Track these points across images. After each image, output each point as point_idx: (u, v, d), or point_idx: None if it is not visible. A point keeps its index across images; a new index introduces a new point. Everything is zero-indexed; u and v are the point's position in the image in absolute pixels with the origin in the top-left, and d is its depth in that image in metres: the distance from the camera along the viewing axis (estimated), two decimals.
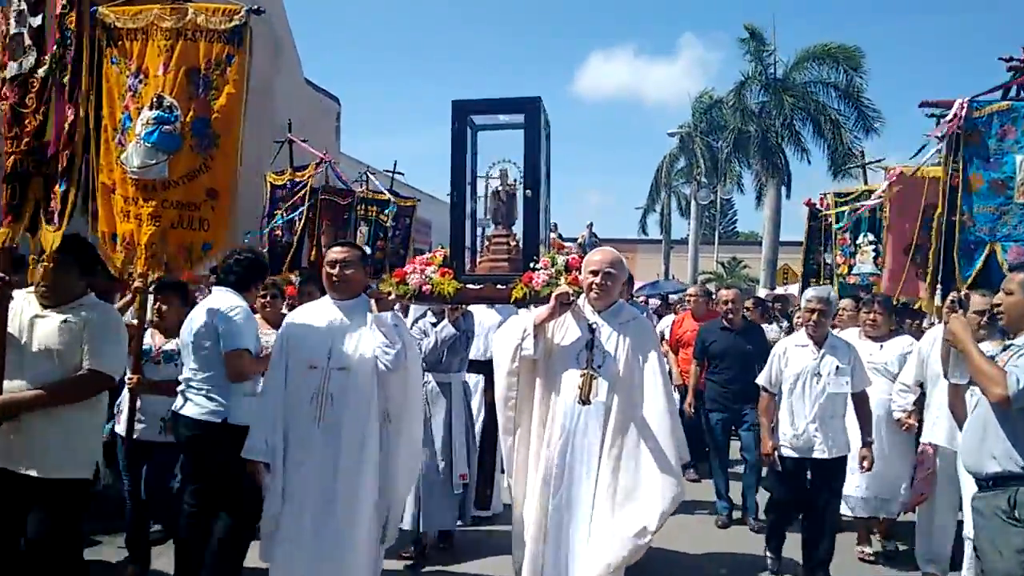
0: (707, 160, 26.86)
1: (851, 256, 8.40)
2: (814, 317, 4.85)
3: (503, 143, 4.61)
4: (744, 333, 6.39)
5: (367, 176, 12.08)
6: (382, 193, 11.08)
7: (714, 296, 8.05)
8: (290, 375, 3.71)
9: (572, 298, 3.72)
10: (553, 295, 3.73)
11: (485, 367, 5.33)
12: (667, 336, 8.05)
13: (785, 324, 9.17)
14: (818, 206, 9.96)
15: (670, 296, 17.30)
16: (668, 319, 9.22)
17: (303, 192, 9.38)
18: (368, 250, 10.88)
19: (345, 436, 3.59)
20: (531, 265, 4.14)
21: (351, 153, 19.43)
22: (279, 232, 9.56)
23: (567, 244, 4.49)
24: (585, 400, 3.67)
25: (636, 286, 21.98)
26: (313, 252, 10.07)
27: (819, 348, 4.86)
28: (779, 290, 18.21)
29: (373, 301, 3.72)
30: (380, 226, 10.78)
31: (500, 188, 4.55)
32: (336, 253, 3.78)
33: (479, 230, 4.68)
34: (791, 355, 4.98)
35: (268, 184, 9.82)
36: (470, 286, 4.19)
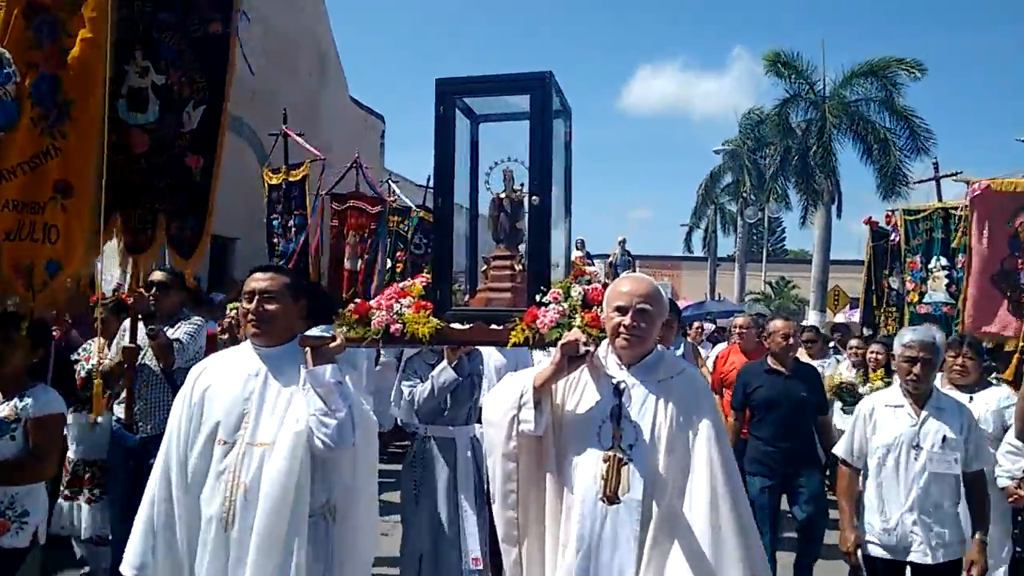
0: (754, 178, 25.26)
1: (922, 282, 6.97)
2: (915, 369, 3.51)
3: (517, 138, 3.38)
4: (797, 376, 4.93)
5: (388, 184, 11.09)
6: (406, 203, 10.23)
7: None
8: (191, 453, 2.56)
9: (586, 348, 2.48)
10: (558, 345, 2.51)
11: None
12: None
13: (845, 360, 7.67)
14: (882, 224, 8.55)
15: (718, 320, 15.79)
16: (717, 349, 7.85)
17: (300, 194, 8.13)
18: (388, 263, 9.99)
19: (261, 547, 2.40)
20: (537, 298, 2.92)
21: (396, 169, 18.59)
22: (275, 239, 8.36)
23: (592, 267, 3.22)
24: (611, 497, 2.44)
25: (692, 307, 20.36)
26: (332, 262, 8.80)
27: (920, 410, 3.53)
28: (839, 317, 16.47)
29: (308, 351, 2.54)
30: (400, 237, 9.75)
31: (503, 194, 3.33)
32: (256, 281, 2.62)
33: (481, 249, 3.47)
34: (881, 418, 3.64)
35: (266, 185, 8.66)
36: (455, 326, 2.96)
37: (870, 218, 8.53)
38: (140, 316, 4.10)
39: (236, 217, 10.71)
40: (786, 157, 22.64)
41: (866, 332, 8.04)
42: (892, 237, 8.28)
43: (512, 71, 3.12)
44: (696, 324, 9.63)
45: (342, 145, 10.80)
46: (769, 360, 5.06)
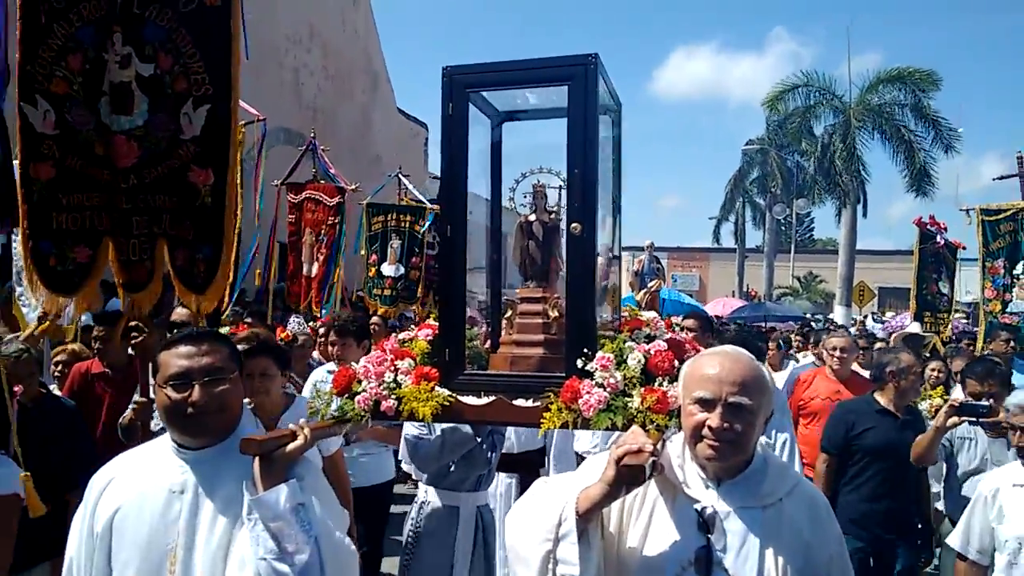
0: (783, 173, 23.65)
1: (1005, 290, 5.67)
2: None
3: (552, 141, 2.31)
4: (909, 420, 3.66)
5: (398, 179, 9.52)
6: (417, 197, 8.64)
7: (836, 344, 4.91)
8: None
9: (651, 469, 1.45)
10: (611, 456, 1.48)
11: (519, 465, 3.13)
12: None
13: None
14: (929, 226, 7.24)
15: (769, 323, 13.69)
16: (787, 371, 6.16)
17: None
18: (394, 271, 8.65)
19: None
20: (579, 362, 1.88)
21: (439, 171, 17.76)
22: None
23: (646, 315, 2.15)
24: None
25: (722, 305, 18.63)
26: (277, 270, 7.15)
27: None
28: (903, 319, 14.85)
29: (256, 463, 1.56)
30: (414, 239, 8.14)
31: (533, 217, 2.29)
32: (188, 358, 1.61)
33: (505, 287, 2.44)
34: (1009, 502, 2.50)
35: None
36: (468, 400, 1.94)
37: (919, 218, 7.23)
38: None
39: None
40: (814, 160, 21.23)
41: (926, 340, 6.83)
42: (938, 240, 7.02)
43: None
44: (770, 350, 6.86)
45: (390, 155, 9.80)
46: (880, 398, 3.71)
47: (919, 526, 3.78)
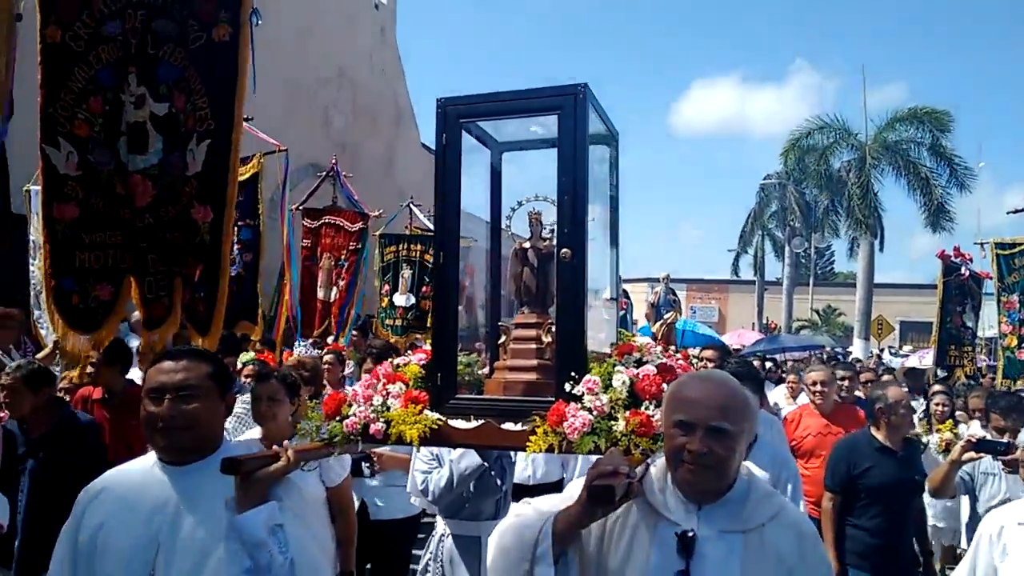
0: (801, 208, 23.50)
1: (1021, 325, 5.52)
2: None
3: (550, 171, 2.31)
4: (907, 455, 3.56)
5: (410, 208, 9.64)
6: (428, 226, 8.48)
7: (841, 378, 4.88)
8: None
9: (624, 491, 1.43)
10: (587, 478, 1.46)
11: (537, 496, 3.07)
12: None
13: (922, 408, 6.18)
14: (953, 258, 7.08)
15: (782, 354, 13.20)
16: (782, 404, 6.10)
17: (248, 198, 5.63)
18: (405, 300, 8.52)
19: None
20: (566, 386, 1.85)
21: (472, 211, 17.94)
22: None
23: (640, 340, 2.12)
24: None
25: (739, 337, 18.20)
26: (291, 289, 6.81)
27: None
28: (912, 358, 14.46)
29: (237, 482, 1.55)
30: (424, 268, 8.03)
31: (529, 244, 2.29)
32: (164, 373, 1.62)
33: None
34: (1011, 540, 2.38)
35: None
36: (457, 424, 1.92)
37: (943, 251, 7.07)
38: None
39: None
40: (831, 195, 21.19)
41: (940, 374, 6.59)
42: (963, 271, 6.84)
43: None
44: (791, 379, 6.83)
45: (413, 188, 9.97)
46: (877, 434, 3.62)
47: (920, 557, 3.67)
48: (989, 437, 3.31)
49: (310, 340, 6.43)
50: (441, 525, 2.96)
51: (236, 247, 5.26)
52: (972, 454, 3.13)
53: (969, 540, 3.64)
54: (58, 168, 2.81)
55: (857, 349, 19.16)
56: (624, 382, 1.78)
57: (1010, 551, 2.37)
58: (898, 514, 3.51)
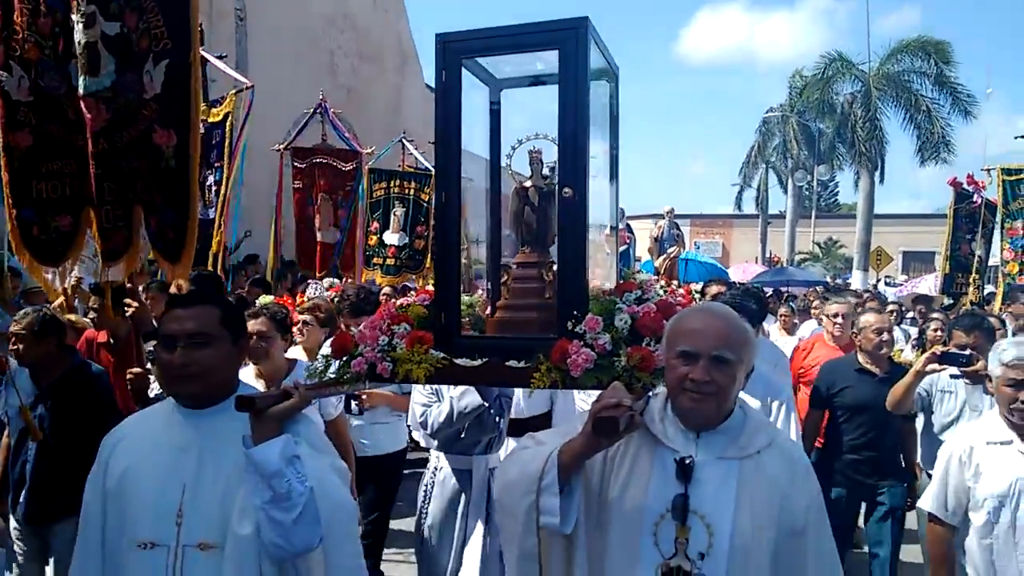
0: (803, 141, 22.94)
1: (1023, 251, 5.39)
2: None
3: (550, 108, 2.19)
4: (892, 380, 3.53)
5: (402, 144, 8.88)
6: (424, 165, 7.91)
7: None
8: (108, 562, 1.60)
9: (627, 422, 1.41)
10: (591, 410, 1.44)
11: (527, 428, 3.08)
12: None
13: (914, 336, 6.10)
14: (965, 186, 6.87)
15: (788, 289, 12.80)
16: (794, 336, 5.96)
17: (222, 140, 5.10)
18: (398, 239, 8.14)
19: None
20: (569, 324, 1.82)
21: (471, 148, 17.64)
22: (207, 202, 5.28)
23: (641, 277, 2.07)
24: None
25: (743, 271, 18.12)
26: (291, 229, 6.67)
27: None
28: (906, 286, 14.28)
29: (251, 419, 1.55)
30: (419, 207, 7.56)
31: (529, 183, 2.22)
32: (175, 321, 1.59)
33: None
34: (985, 460, 2.36)
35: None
36: (461, 361, 1.90)
37: (955, 179, 6.83)
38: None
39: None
40: (836, 128, 20.60)
41: (947, 301, 6.49)
42: (975, 199, 6.65)
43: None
44: (782, 312, 6.83)
45: (420, 129, 9.69)
46: (860, 358, 3.67)
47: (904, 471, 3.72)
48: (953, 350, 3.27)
49: (325, 281, 6.32)
50: (435, 458, 2.98)
51: (212, 190, 5.00)
52: (935, 365, 3.12)
53: (923, 457, 3.68)
54: (11, 94, 2.61)
55: (856, 280, 19.04)
56: (626, 321, 1.75)
57: (983, 470, 2.36)
58: (876, 431, 3.55)
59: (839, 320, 4.50)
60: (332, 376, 1.89)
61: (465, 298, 2.05)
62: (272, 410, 1.55)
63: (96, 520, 1.64)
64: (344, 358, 1.90)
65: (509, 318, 2.04)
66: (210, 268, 4.83)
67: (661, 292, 2.01)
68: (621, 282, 2.01)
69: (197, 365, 1.61)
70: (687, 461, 1.49)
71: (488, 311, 2.19)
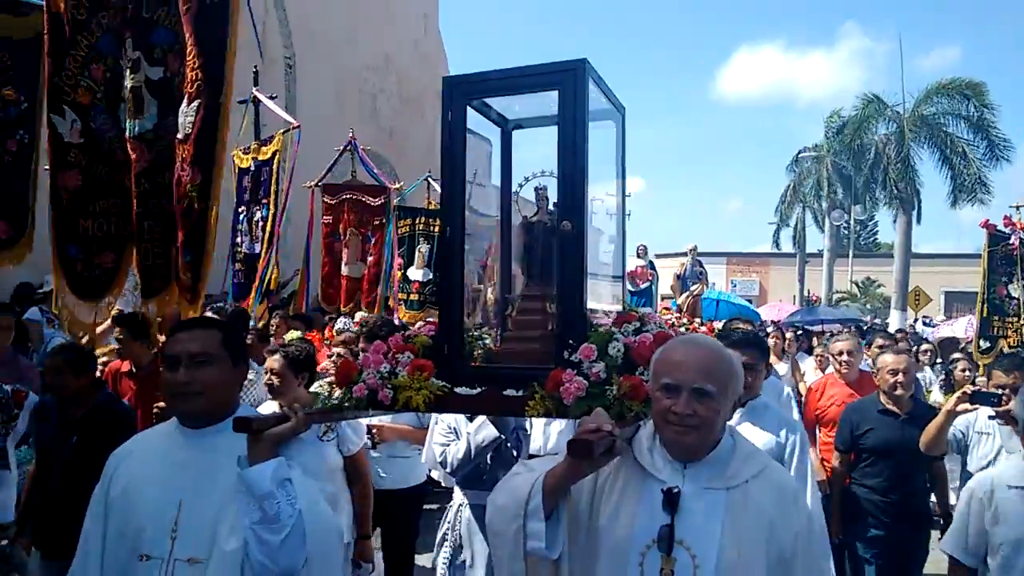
0: (831, 181, 22.63)
1: None
2: None
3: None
4: (915, 419, 3.44)
5: (428, 183, 8.83)
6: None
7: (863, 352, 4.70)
8: (107, 571, 1.65)
9: (604, 447, 1.41)
10: (570, 438, 1.45)
11: None
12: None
13: (941, 377, 5.87)
14: (1000, 227, 6.66)
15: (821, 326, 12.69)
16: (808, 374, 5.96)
17: (269, 177, 5.21)
18: (422, 275, 8.03)
19: None
20: (566, 353, 1.84)
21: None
22: (238, 239, 5.46)
23: (641, 313, 2.07)
24: None
25: (777, 310, 17.69)
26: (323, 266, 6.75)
27: None
28: (943, 327, 13.77)
29: (247, 440, 1.60)
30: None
31: (534, 217, 2.26)
32: (179, 343, 1.67)
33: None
34: (1005, 503, 2.29)
35: (236, 168, 5.71)
36: (460, 390, 1.93)
37: (987, 221, 6.63)
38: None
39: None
40: (870, 169, 20.26)
41: (983, 345, 6.24)
42: (1011, 240, 6.44)
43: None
44: (818, 352, 6.76)
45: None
46: (882, 399, 3.56)
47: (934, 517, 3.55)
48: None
49: (351, 316, 6.38)
50: (459, 495, 2.97)
51: (259, 226, 5.14)
52: (967, 405, 3.02)
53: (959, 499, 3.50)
54: (63, 136, 2.73)
55: (894, 320, 18.47)
56: (619, 349, 1.76)
57: (1002, 514, 2.27)
58: (902, 473, 3.44)
59: (844, 357, 4.42)
60: (333, 401, 1.93)
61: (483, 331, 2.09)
62: (268, 432, 1.59)
63: (98, 528, 1.70)
64: (347, 385, 1.94)
65: (512, 349, 2.07)
66: (253, 302, 4.97)
67: (660, 325, 2.02)
68: (619, 313, 2.02)
69: (199, 383, 1.68)
70: (674, 491, 1.48)
71: (498, 343, 2.22)
